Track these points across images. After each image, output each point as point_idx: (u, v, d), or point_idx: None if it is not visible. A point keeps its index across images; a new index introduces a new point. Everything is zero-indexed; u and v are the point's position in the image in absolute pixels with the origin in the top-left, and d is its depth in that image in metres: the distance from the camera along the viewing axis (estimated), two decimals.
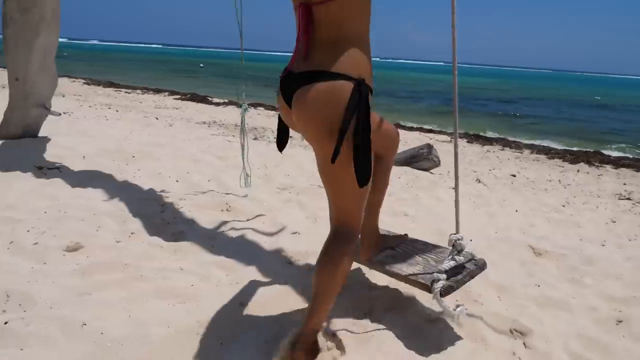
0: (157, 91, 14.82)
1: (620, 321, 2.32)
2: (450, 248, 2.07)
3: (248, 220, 3.28)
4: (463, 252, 2.05)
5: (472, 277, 2.09)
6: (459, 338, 2.08)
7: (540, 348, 2.05)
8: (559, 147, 10.22)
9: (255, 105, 12.93)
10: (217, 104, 12.40)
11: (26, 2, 4.09)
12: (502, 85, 48.80)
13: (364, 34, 1.71)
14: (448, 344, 2.03)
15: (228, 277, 2.46)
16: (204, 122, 8.55)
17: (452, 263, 2.02)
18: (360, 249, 2.26)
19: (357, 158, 1.64)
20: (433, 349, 1.98)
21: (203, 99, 12.98)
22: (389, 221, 3.48)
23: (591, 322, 2.34)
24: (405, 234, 2.54)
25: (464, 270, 2.07)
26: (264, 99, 14.48)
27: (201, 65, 48.42)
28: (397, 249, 2.38)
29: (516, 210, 4.33)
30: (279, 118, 1.92)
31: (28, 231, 2.71)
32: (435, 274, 1.99)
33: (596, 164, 8.20)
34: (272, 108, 12.50)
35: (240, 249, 2.78)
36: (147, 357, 1.79)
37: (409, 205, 4.05)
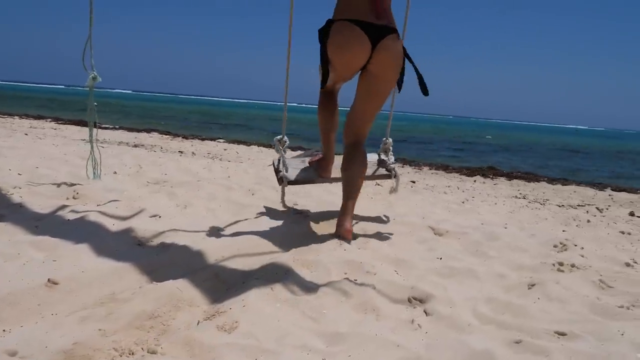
0: (40, 117, 13.43)
1: (533, 284, 1.98)
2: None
3: (98, 205, 2.66)
4: (391, 149, 3.20)
5: None
6: (342, 308, 1.62)
7: (444, 313, 1.63)
8: (456, 164, 10.39)
9: (148, 130, 12.09)
10: (106, 128, 11.40)
11: None
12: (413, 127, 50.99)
13: None
14: (329, 314, 1.56)
15: (44, 256, 1.83)
16: (83, 140, 7.67)
17: (392, 158, 3.17)
18: (323, 171, 2.95)
19: (401, 81, 2.54)
20: (305, 319, 1.51)
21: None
22: (275, 212, 3.02)
23: (501, 288, 1.98)
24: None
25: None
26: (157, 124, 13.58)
27: (95, 103, 45.85)
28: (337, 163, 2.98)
29: (416, 204, 4.04)
30: (326, 56, 2.43)
31: None
32: (390, 165, 3.17)
33: (491, 176, 8.32)
34: (168, 133, 11.71)
35: (75, 230, 2.16)
36: None
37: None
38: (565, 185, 8.13)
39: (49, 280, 1.56)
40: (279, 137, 2.97)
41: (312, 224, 2.74)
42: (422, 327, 1.53)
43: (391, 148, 3.17)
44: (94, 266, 1.75)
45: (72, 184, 3.07)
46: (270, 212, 2.95)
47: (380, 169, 3.17)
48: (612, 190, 7.86)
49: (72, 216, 2.36)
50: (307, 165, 3.07)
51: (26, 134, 7.33)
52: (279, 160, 2.95)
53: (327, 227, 2.69)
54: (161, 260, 1.93)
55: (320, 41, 2.44)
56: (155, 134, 11.15)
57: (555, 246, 2.73)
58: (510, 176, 8.48)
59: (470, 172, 8.62)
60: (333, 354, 1.34)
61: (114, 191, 3.03)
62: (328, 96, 2.78)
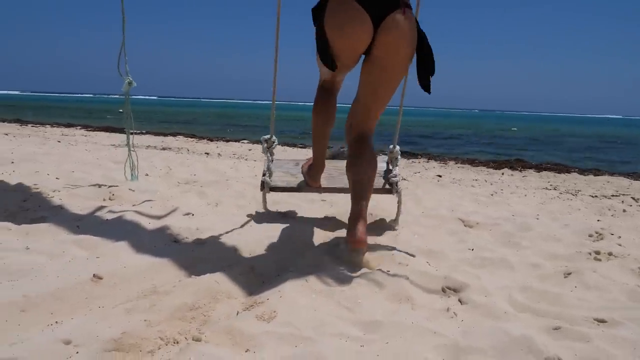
0: (69, 125, 13.78)
1: (569, 273, 1.97)
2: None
3: (133, 205, 2.73)
4: (399, 158, 2.69)
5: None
6: (377, 298, 1.64)
7: (480, 301, 1.64)
8: (482, 158, 10.28)
9: (174, 133, 12.29)
10: (133, 133, 11.60)
11: None
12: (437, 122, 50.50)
13: None
14: (365, 303, 1.58)
15: (87, 254, 1.90)
16: (113, 145, 7.84)
17: (397, 170, 2.63)
18: (311, 179, 2.60)
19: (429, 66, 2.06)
20: (341, 309, 1.53)
21: (119, 130, 12.15)
22: (306, 207, 3.05)
23: (535, 277, 1.97)
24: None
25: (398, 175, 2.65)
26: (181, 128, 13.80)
27: (120, 110, 46.73)
28: (330, 171, 2.75)
29: (443, 197, 4.03)
30: (324, 38, 1.99)
31: None
32: (392, 179, 2.57)
33: (519, 168, 8.22)
34: (193, 136, 11.88)
35: (114, 229, 2.23)
36: None
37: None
38: (598, 175, 7.98)
39: (94, 275, 1.62)
40: (266, 136, 2.67)
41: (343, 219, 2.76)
42: (458, 316, 1.54)
43: (399, 157, 2.72)
44: (134, 262, 1.81)
45: (108, 186, 3.16)
46: (299, 208, 2.98)
47: (381, 180, 2.70)
48: None
49: (109, 216, 2.43)
50: (300, 169, 2.75)
51: (59, 141, 7.53)
52: (266, 162, 2.69)
53: None
54: (197, 256, 1.98)
55: (314, 23, 2.08)
56: (180, 137, 11.33)
57: (590, 235, 2.69)
58: (539, 168, 8.37)
59: (498, 165, 8.54)
60: (371, 341, 1.36)
61: (147, 192, 3.10)
62: (326, 94, 2.39)
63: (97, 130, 11.84)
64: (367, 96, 2.11)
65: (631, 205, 4.39)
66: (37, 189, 2.92)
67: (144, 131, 12.73)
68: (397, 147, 2.68)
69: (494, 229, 2.74)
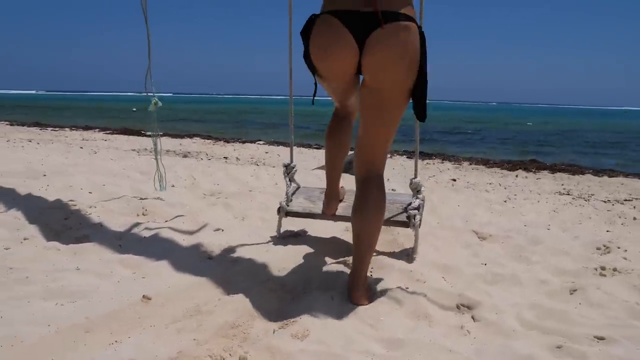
0: (88, 128, 14.11)
1: (575, 290, 2.12)
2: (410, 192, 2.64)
3: (166, 221, 2.93)
4: (421, 192, 2.56)
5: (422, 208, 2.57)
6: (397, 315, 1.81)
7: (491, 319, 1.80)
8: (497, 158, 10.37)
9: (190, 135, 12.52)
10: (150, 136, 11.88)
11: None
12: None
13: None
14: (386, 320, 1.75)
15: (134, 274, 2.09)
16: (133, 149, 8.09)
17: (418, 202, 2.50)
18: (326, 207, 2.52)
19: (422, 94, 1.82)
20: (365, 326, 1.71)
21: (136, 132, 12.41)
22: (328, 223, 3.22)
23: (544, 294, 2.13)
24: (342, 186, 2.72)
25: (421, 206, 2.52)
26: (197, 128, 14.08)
27: (134, 109, 47.13)
28: (346, 200, 2.73)
29: (458, 205, 4.18)
30: (310, 61, 1.92)
31: None
32: (410, 211, 2.44)
33: (533, 170, 8.31)
34: (209, 137, 12.12)
35: (152, 247, 2.43)
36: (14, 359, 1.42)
37: None
38: (612, 177, 8.05)
39: (143, 296, 1.81)
40: (286, 162, 2.74)
41: None
42: (471, 333, 1.71)
43: (422, 189, 2.58)
44: (176, 281, 2.00)
45: (140, 199, 3.36)
46: (322, 223, 3.15)
47: (398, 214, 2.55)
48: None
49: (146, 233, 2.63)
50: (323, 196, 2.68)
51: (81, 147, 7.78)
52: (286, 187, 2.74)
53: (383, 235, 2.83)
54: (231, 273, 2.16)
55: (303, 43, 1.94)
56: (197, 139, 11.57)
57: (598, 248, 2.83)
58: (553, 169, 8.46)
59: (512, 166, 8.64)
60: (393, 358, 1.53)
61: (176, 205, 3.30)
62: (338, 119, 2.27)
63: (115, 133, 12.12)
64: (367, 127, 1.93)
65: None
66: (75, 205, 3.12)
67: (161, 133, 12.98)
68: (418, 179, 2.56)
69: (505, 241, 2.90)
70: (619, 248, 2.80)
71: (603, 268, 2.39)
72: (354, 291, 1.91)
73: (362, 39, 1.77)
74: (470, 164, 9.13)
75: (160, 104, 3.30)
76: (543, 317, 1.86)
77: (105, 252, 2.33)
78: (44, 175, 4.21)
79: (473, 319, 1.84)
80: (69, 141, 9.36)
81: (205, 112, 41.18)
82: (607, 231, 3.41)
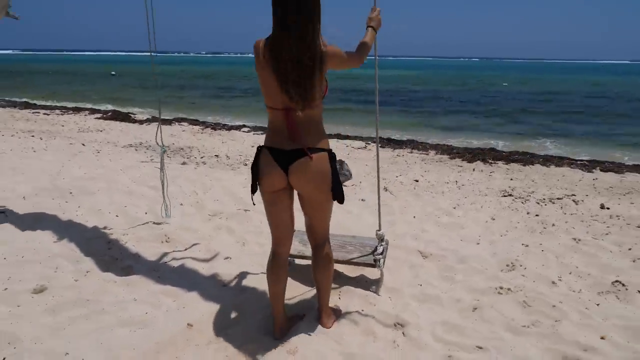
0: (77, 110, 14.69)
1: (476, 309, 3.13)
2: (375, 237, 3.45)
3: (185, 249, 3.86)
4: (384, 240, 3.44)
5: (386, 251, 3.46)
6: (355, 333, 2.79)
7: (414, 335, 2.80)
8: (461, 145, 11.41)
9: (179, 120, 13.23)
10: (141, 122, 12.57)
11: None
12: (421, 77, 51.16)
13: (321, 118, 2.58)
14: (347, 338, 2.74)
15: (175, 302, 3.04)
16: (131, 145, 8.86)
17: (381, 248, 3.39)
18: (275, 329, 2.81)
19: (338, 191, 2.60)
20: (335, 343, 2.69)
21: (125, 117, 13.08)
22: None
23: (456, 311, 3.13)
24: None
25: (385, 250, 3.43)
26: (185, 110, 14.81)
27: (113, 73, 46.87)
28: (333, 240, 3.37)
29: (414, 217, 5.16)
30: (255, 171, 2.61)
31: None
32: (376, 255, 3.33)
33: (490, 161, 9.33)
34: (196, 123, 12.86)
35: (182, 277, 3.37)
36: None
37: None
38: (559, 166, 9.09)
39: (188, 324, 2.76)
40: None
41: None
42: (400, 346, 2.70)
43: (385, 239, 3.44)
44: (207, 309, 2.95)
45: (157, 223, 4.28)
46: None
47: (367, 255, 3.37)
48: (601, 170, 8.82)
49: (175, 263, 3.57)
50: None
51: (83, 145, 8.53)
52: None
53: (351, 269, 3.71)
54: (241, 299, 3.11)
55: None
56: (185, 125, 12.31)
57: (507, 265, 3.84)
58: (508, 160, 9.48)
59: (472, 156, 9.64)
60: None
61: (189, 230, 4.23)
62: (275, 258, 2.75)
63: (107, 119, 12.79)
64: (308, 217, 2.71)
65: (565, 214, 5.54)
66: (111, 233, 4.03)
67: (149, 117, 13.66)
68: (382, 230, 3.40)
69: (441, 260, 3.90)
70: (521, 266, 3.82)
71: (501, 287, 3.40)
72: (321, 319, 2.84)
73: (285, 166, 2.49)
74: (437, 153, 10.13)
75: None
76: (448, 332, 2.86)
77: (149, 283, 3.26)
78: (70, 193, 5.06)
79: (403, 334, 2.84)
80: (67, 133, 10.06)
81: (190, 77, 41.28)
82: (523, 244, 4.41)
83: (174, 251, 3.81)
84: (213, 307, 2.99)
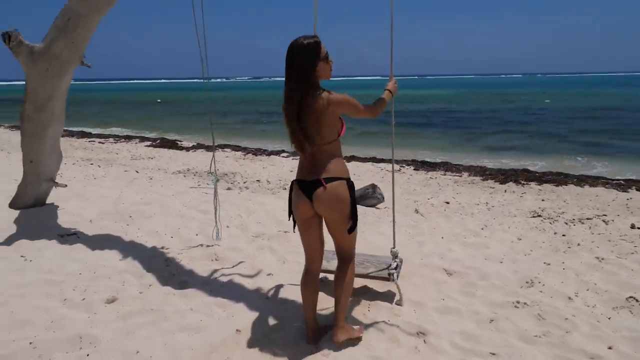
0: (128, 138, 15.70)
1: (492, 320, 3.46)
2: (390, 255, 3.85)
3: (233, 267, 4.34)
4: (398, 257, 3.82)
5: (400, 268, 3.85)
6: (381, 340, 3.18)
7: (434, 342, 3.16)
8: (494, 167, 11.62)
9: (222, 146, 13.97)
10: (187, 149, 13.37)
11: (40, 103, 5.07)
12: (457, 97, 51.10)
13: (340, 150, 2.97)
14: (374, 344, 3.13)
15: (225, 312, 3.50)
16: (179, 172, 9.53)
17: (395, 263, 3.78)
18: (308, 336, 3.20)
19: (354, 219, 3.01)
20: (364, 349, 3.08)
21: (173, 144, 13.92)
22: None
23: (474, 322, 3.47)
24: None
25: (398, 266, 3.80)
26: (228, 137, 15.62)
27: (158, 100, 48.84)
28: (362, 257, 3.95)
29: (442, 237, 5.51)
30: (290, 202, 3.09)
31: (73, 290, 3.71)
32: (390, 270, 3.72)
33: (522, 182, 9.51)
34: (238, 148, 13.56)
35: (231, 291, 3.84)
36: None
37: None
38: (593, 186, 9.18)
39: (237, 330, 3.21)
40: None
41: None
42: (421, 352, 3.07)
43: (398, 255, 3.83)
44: (252, 318, 3.40)
45: (208, 245, 4.78)
46: None
47: (382, 270, 3.76)
48: (637, 190, 8.84)
49: (224, 279, 4.05)
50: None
51: (137, 172, 9.26)
52: None
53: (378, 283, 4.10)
54: (283, 310, 3.55)
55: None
56: (228, 151, 13.01)
57: (527, 282, 4.14)
58: (540, 180, 9.64)
59: (505, 177, 9.84)
60: None
61: (236, 250, 4.72)
62: (307, 273, 3.15)
63: (157, 147, 13.65)
64: (334, 239, 3.09)
65: (592, 234, 5.73)
66: (168, 252, 4.56)
67: (195, 143, 14.45)
68: (396, 248, 3.83)
69: (464, 278, 4.24)
70: (540, 283, 4.11)
71: (519, 302, 3.72)
72: (334, 331, 3.08)
73: (310, 195, 2.90)
74: (469, 175, 10.39)
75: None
76: (465, 340, 3.21)
77: (203, 295, 3.75)
78: (130, 217, 5.66)
79: (424, 341, 3.20)
80: (122, 160, 10.87)
81: (229, 103, 42.54)
82: (545, 263, 4.69)
83: (222, 268, 4.29)
84: (257, 316, 3.44)
